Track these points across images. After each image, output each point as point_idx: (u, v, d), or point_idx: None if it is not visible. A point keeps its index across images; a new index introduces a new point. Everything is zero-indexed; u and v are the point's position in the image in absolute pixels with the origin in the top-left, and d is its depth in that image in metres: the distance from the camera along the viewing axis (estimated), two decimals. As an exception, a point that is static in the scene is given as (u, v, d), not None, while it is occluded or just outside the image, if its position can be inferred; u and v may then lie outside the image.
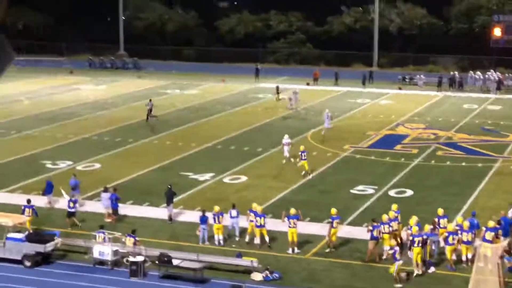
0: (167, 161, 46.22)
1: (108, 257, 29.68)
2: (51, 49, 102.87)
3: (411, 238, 29.35)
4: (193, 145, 50.51)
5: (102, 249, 29.86)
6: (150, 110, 58.88)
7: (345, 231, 32.93)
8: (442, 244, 30.22)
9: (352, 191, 39.97)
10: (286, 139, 46.37)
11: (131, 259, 29.09)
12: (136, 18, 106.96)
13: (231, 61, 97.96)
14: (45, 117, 60.28)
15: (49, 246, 30.27)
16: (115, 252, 29.83)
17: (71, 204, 34.13)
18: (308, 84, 78.98)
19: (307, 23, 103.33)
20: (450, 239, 29.58)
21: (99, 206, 35.81)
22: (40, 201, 36.20)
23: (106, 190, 35.44)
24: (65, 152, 48.39)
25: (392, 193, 39.44)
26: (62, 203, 36.07)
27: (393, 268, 28.13)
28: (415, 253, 28.90)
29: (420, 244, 28.95)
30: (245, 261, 29.17)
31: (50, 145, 50.36)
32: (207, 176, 42.63)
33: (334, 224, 31.32)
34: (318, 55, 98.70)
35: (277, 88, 70.15)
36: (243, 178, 41.64)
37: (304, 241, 31.91)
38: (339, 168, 45.32)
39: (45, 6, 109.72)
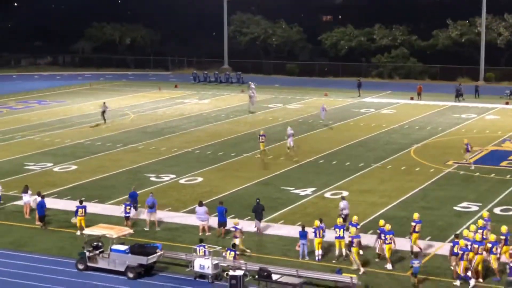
0: (269, 175, 46.39)
1: (209, 270, 29.96)
2: (157, 64, 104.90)
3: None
4: (295, 159, 50.53)
5: (203, 263, 30.16)
6: (103, 112, 64.23)
7: (446, 249, 32.25)
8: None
9: (455, 208, 39.24)
10: (289, 130, 53.21)
11: (231, 273, 29.25)
12: (241, 33, 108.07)
13: (334, 75, 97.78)
14: (150, 131, 61.42)
15: (151, 258, 30.78)
16: (216, 266, 30.09)
17: (127, 209, 36.22)
18: (412, 98, 78.07)
19: (412, 37, 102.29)
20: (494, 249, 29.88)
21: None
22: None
23: (201, 204, 35.86)
24: (168, 166, 49.18)
25: (497, 210, 38.50)
26: (162, 214, 36.87)
27: None
28: None
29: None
30: (345, 278, 28.95)
31: (154, 159, 51.26)
32: (308, 191, 42.58)
33: (383, 237, 31.32)
34: (422, 69, 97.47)
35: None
36: (345, 194, 41.36)
37: (406, 258, 31.44)
38: (442, 184, 44.51)
39: (155, 22, 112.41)
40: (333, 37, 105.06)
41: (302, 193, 42.12)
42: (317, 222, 32.36)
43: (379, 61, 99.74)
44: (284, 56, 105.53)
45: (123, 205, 36.67)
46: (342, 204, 36.01)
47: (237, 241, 32.25)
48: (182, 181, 45.16)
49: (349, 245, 31.15)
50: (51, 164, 49.64)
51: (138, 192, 39.11)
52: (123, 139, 57.83)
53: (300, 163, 49.76)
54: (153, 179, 45.65)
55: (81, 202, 36.19)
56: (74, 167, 48.96)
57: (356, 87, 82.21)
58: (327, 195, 41.79)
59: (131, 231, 33.60)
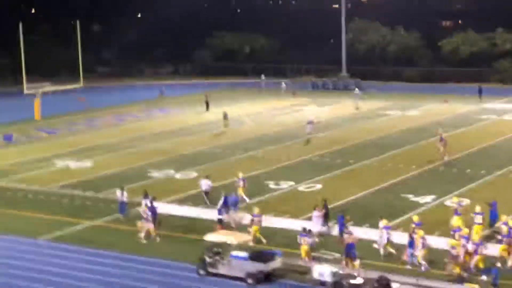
0: (388, 182, 46.13)
1: (328, 278, 30.04)
2: (276, 71, 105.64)
3: None
4: (414, 167, 50.05)
5: (322, 270, 30.27)
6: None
7: None
8: None
9: None
10: (310, 118, 62.60)
11: (351, 281, 29.26)
12: (359, 40, 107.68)
13: (454, 81, 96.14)
14: (268, 139, 61.98)
15: (271, 265, 31.11)
16: (335, 274, 30.13)
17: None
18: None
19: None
20: None
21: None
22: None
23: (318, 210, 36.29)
24: (287, 173, 49.54)
25: None
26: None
27: None
28: None
29: None
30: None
31: (273, 166, 51.73)
32: (428, 198, 42.12)
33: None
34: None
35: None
36: (466, 202, 40.55)
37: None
38: None
39: (274, 31, 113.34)
40: (453, 42, 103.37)
41: (422, 201, 41.69)
42: (421, 232, 32.13)
43: (501, 66, 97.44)
44: (403, 62, 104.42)
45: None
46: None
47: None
48: (301, 188, 45.44)
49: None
50: (173, 171, 50.83)
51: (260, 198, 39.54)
52: (243, 146, 58.58)
53: (419, 169, 49.25)
54: (272, 186, 46.10)
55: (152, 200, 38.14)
56: (194, 173, 49.89)
57: (477, 93, 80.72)
58: (448, 203, 41.14)
59: (250, 237, 34.11)
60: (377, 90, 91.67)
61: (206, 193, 42.41)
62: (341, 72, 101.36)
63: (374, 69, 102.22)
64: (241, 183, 42.50)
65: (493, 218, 36.29)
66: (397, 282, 29.02)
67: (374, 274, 29.63)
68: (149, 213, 37.08)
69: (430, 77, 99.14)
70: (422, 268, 31.53)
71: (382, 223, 33.76)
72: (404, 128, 65.55)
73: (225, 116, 67.67)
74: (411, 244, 32.09)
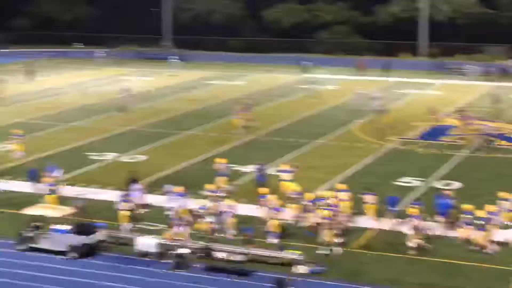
0: (211, 153, 46.09)
1: (153, 249, 29.70)
2: (98, 41, 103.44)
3: None
4: (238, 136, 50.37)
5: (147, 241, 29.88)
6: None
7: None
8: None
9: (397, 183, 39.50)
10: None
11: (175, 251, 29.04)
12: (183, 9, 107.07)
13: (278, 52, 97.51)
14: (92, 109, 60.64)
15: (94, 238, 30.37)
16: (160, 245, 29.81)
17: None
18: (355, 74, 78.55)
19: (355, 12, 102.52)
20: None
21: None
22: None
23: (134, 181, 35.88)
24: (111, 144, 48.63)
25: (439, 185, 38.86)
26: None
27: None
28: None
29: None
30: (289, 254, 28.94)
31: (96, 137, 50.65)
32: (250, 168, 42.30)
33: None
34: (365, 45, 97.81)
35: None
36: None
37: (350, 233, 31.60)
38: (385, 159, 44.85)
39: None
40: (276, 13, 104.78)
41: (244, 170, 41.92)
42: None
43: (323, 37, 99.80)
44: (227, 32, 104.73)
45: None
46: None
47: None
48: (125, 159, 44.71)
49: None
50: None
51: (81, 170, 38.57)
52: (65, 118, 57.03)
53: (243, 139, 49.63)
54: (94, 157, 45.07)
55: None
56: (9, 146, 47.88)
57: (300, 63, 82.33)
58: (271, 171, 41.43)
59: (74, 211, 33.19)
60: (201, 60, 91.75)
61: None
62: (164, 41, 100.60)
63: (198, 38, 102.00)
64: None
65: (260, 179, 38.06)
66: (222, 251, 29.06)
67: (199, 244, 29.57)
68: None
69: (254, 47, 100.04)
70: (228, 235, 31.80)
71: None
72: (227, 98, 65.85)
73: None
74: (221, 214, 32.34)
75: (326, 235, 30.47)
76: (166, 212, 33.55)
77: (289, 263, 28.58)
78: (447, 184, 38.83)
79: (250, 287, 27.14)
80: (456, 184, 38.78)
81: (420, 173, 41.07)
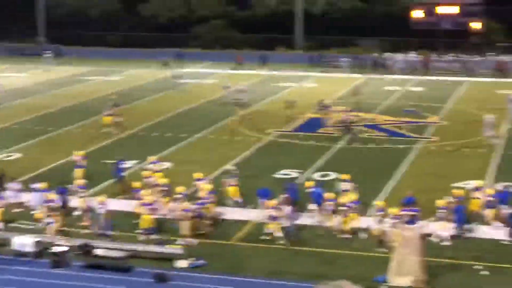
0: (90, 149, 45.43)
1: (30, 248, 29.06)
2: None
3: None
4: (116, 132, 49.82)
5: (23, 241, 29.22)
6: None
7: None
8: None
9: (275, 175, 39.97)
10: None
11: (53, 249, 28.53)
12: (59, 4, 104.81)
13: (155, 47, 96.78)
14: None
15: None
16: (37, 243, 29.19)
17: None
18: (232, 68, 78.97)
19: (231, 7, 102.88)
20: None
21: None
22: None
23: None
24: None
25: (316, 176, 39.51)
26: None
27: None
28: None
29: None
30: (169, 249, 28.91)
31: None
32: (130, 163, 41.92)
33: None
34: (242, 39, 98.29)
35: None
36: (167, 164, 41.13)
37: (229, 227, 31.79)
38: (263, 152, 45.31)
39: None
40: (152, 8, 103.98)
41: (126, 166, 41.47)
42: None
43: (199, 32, 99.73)
44: (105, 27, 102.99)
45: None
46: None
47: None
48: (-2, 157, 43.70)
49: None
50: None
51: None
52: None
53: (121, 135, 49.17)
54: (-33, 156, 43.84)
55: None
56: None
57: (176, 57, 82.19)
58: (150, 166, 41.14)
59: None
60: (78, 55, 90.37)
61: None
62: (39, 37, 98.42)
63: (76, 33, 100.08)
64: None
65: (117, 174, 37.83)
66: (101, 248, 28.74)
67: (78, 242, 29.16)
68: None
69: (131, 42, 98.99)
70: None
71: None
72: (103, 94, 64.97)
73: None
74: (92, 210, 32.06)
75: (183, 228, 30.68)
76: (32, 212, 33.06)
77: (170, 258, 28.56)
78: (325, 175, 39.56)
79: (131, 283, 26.96)
80: (333, 175, 39.51)
81: (298, 165, 41.66)
